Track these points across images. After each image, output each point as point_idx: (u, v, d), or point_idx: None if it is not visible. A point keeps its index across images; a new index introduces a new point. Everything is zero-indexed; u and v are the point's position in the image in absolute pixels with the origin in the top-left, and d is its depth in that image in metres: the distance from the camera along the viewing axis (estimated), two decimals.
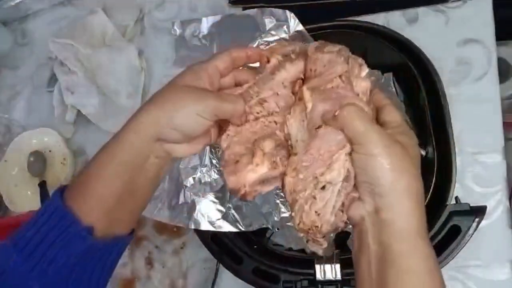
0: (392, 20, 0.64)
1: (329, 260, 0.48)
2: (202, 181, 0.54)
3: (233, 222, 0.52)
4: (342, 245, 0.54)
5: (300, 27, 0.55)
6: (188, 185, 0.53)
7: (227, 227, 0.52)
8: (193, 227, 0.52)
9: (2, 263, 0.34)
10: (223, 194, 0.54)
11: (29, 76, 0.81)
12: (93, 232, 0.35)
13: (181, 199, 0.54)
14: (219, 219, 0.52)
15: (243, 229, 0.52)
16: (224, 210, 0.52)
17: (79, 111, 0.72)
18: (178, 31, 0.69)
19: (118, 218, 0.37)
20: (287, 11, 0.55)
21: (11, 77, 0.82)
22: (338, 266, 0.47)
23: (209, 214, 0.52)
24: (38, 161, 0.73)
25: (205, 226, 0.52)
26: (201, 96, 0.37)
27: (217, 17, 0.65)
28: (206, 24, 0.66)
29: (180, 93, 0.37)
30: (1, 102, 0.81)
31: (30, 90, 0.80)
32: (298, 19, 0.54)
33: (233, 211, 0.53)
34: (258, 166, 0.38)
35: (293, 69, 0.41)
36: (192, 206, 0.53)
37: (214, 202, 0.53)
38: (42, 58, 0.80)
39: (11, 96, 0.81)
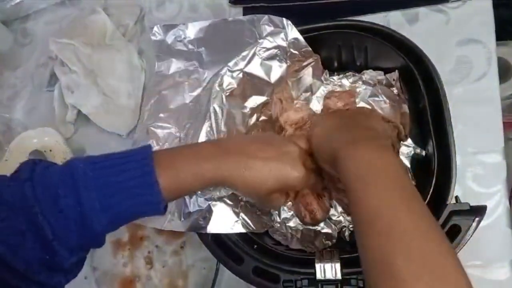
0: (392, 20, 0.64)
1: (329, 259, 0.48)
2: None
3: (245, 225, 0.52)
4: (342, 245, 0.54)
5: (297, 35, 0.55)
6: (199, 191, 0.53)
7: (242, 229, 0.52)
8: (212, 231, 0.51)
9: (78, 181, 0.36)
10: (235, 196, 0.53)
11: (29, 76, 0.81)
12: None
13: (192, 207, 0.53)
14: (237, 221, 0.52)
15: (255, 231, 0.53)
16: (238, 211, 0.52)
17: (79, 110, 0.72)
18: (158, 36, 0.66)
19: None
20: (284, 19, 0.55)
21: (11, 76, 0.82)
22: (338, 265, 0.47)
23: (227, 217, 0.52)
24: None
25: (224, 229, 0.51)
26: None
27: (205, 22, 0.63)
28: (193, 29, 0.64)
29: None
30: (1, 101, 0.81)
31: (30, 89, 0.80)
32: (298, 19, 0.55)
33: (242, 215, 0.52)
34: None
35: None
36: (208, 211, 0.52)
37: (229, 205, 0.53)
38: (42, 57, 0.80)
39: (12, 96, 0.81)
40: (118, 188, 0.37)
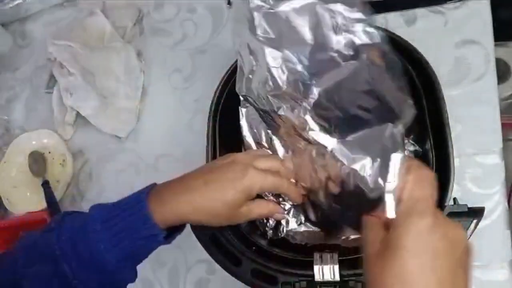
0: (391, 21, 0.64)
1: (327, 261, 0.48)
2: None
3: None
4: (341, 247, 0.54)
5: None
6: None
7: None
8: None
9: (87, 226, 0.41)
10: None
11: (28, 78, 0.81)
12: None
13: None
14: None
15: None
16: None
17: (78, 112, 0.72)
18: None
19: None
20: None
21: (10, 78, 0.82)
22: (336, 267, 0.47)
23: None
24: (38, 163, 0.73)
25: None
26: None
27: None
28: None
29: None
30: (0, 103, 0.81)
31: (29, 91, 0.80)
32: None
33: None
34: None
35: None
36: None
37: None
38: (41, 59, 0.80)
39: (10, 98, 0.81)
40: (119, 228, 0.40)
